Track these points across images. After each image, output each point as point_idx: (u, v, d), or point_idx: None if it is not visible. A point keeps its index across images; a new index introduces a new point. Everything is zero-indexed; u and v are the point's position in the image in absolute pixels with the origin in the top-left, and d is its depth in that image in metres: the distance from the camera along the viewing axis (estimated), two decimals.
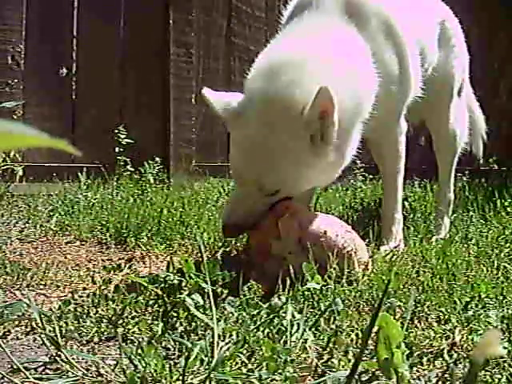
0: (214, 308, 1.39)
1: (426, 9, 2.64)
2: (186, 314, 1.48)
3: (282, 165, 1.80)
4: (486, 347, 0.58)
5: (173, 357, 1.31)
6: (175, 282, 1.57)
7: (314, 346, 1.34)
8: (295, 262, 1.72)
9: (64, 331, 1.43)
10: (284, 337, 1.36)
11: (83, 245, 2.50)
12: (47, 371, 1.27)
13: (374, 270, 1.87)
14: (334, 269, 1.75)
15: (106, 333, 1.46)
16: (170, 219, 2.63)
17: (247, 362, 1.24)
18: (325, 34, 2.00)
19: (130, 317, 1.52)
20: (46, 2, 3.72)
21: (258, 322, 1.40)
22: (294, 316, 1.41)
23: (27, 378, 1.21)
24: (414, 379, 1.23)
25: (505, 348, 1.30)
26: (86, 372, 1.23)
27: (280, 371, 1.18)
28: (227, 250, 2.26)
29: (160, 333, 1.38)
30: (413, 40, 2.30)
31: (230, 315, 1.47)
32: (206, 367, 1.20)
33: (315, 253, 1.75)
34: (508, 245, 2.32)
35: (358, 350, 1.26)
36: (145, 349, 1.23)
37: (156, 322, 1.47)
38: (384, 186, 2.46)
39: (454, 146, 2.77)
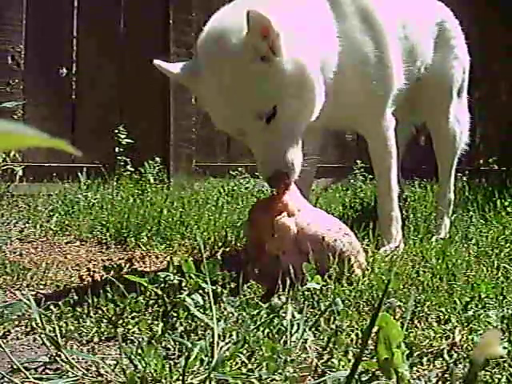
0: (213, 308, 1.39)
1: (423, 8, 2.66)
2: (186, 314, 1.48)
3: (256, 85, 1.85)
4: (486, 347, 0.58)
5: (173, 357, 1.31)
6: (175, 282, 1.57)
7: (313, 346, 1.34)
8: (289, 262, 1.72)
9: (64, 331, 1.43)
10: (284, 337, 1.36)
11: (83, 245, 2.50)
12: (47, 371, 1.27)
13: (374, 270, 1.87)
14: (334, 269, 1.76)
15: (106, 333, 1.46)
16: (170, 219, 2.63)
17: (247, 362, 1.24)
18: (285, 3, 2.05)
19: (129, 317, 1.52)
20: (45, 2, 3.72)
21: (258, 322, 1.40)
22: (294, 316, 1.41)
23: (27, 378, 1.21)
24: (413, 379, 1.23)
25: (505, 348, 1.30)
26: (86, 372, 1.23)
27: (280, 371, 1.18)
28: (227, 249, 2.26)
29: (160, 333, 1.38)
30: (398, 33, 2.35)
31: (230, 315, 1.47)
32: (206, 367, 1.20)
33: (313, 258, 1.74)
34: (508, 245, 2.32)
35: (358, 350, 1.26)
36: (145, 349, 1.23)
37: (156, 322, 1.48)
38: (377, 184, 2.46)
39: (454, 146, 2.77)
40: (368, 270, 1.88)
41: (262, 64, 1.85)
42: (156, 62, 2.05)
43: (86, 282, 1.90)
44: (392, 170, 2.37)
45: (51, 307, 1.61)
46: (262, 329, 1.38)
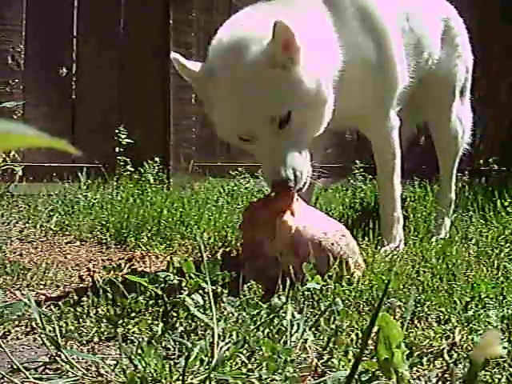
0: (213, 308, 1.39)
1: (428, 3, 2.67)
2: (186, 314, 1.48)
3: (273, 91, 1.87)
4: (486, 347, 0.58)
5: (173, 357, 1.31)
6: (175, 282, 1.57)
7: (313, 346, 1.34)
8: (287, 264, 1.72)
9: (64, 331, 1.43)
10: (284, 337, 1.36)
11: (83, 245, 2.50)
12: (47, 371, 1.27)
13: (374, 270, 1.87)
14: (335, 269, 1.76)
15: (105, 333, 1.46)
16: (170, 219, 2.63)
17: (247, 362, 1.24)
18: (290, 8, 2.07)
19: (129, 317, 1.52)
20: (46, 2, 3.72)
21: (258, 322, 1.40)
22: (293, 316, 1.41)
23: (27, 378, 1.21)
24: (413, 379, 1.23)
25: (505, 348, 1.30)
26: (85, 372, 1.23)
27: (280, 371, 1.18)
28: (227, 249, 2.26)
29: (160, 333, 1.38)
30: (401, 29, 2.34)
31: (230, 315, 1.47)
32: (206, 367, 1.20)
33: (310, 262, 1.74)
34: (508, 245, 2.32)
35: (358, 350, 1.26)
36: (145, 349, 1.23)
37: (156, 322, 1.47)
38: (380, 185, 2.45)
39: (455, 146, 2.77)
40: (366, 269, 1.88)
41: (280, 71, 1.87)
42: (174, 55, 2.02)
43: (86, 282, 1.90)
44: (396, 171, 2.36)
45: (51, 307, 1.61)
46: (262, 329, 1.38)
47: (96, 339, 1.44)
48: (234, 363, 1.23)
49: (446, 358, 1.32)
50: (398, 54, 2.29)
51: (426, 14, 2.57)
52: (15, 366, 1.23)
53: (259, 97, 1.87)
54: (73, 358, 1.26)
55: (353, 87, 2.12)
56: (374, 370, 1.15)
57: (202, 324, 1.42)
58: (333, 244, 1.79)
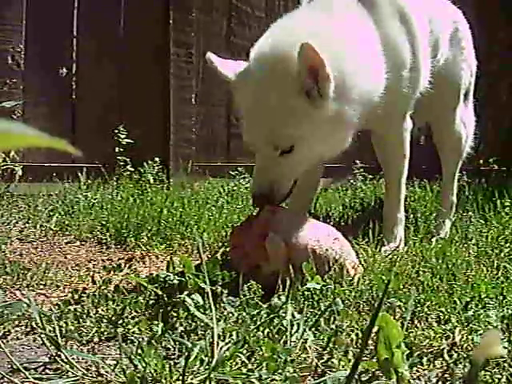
0: (213, 308, 1.39)
1: (440, 5, 2.68)
2: (186, 314, 1.48)
3: (288, 119, 1.85)
4: (486, 347, 0.58)
5: (173, 357, 1.31)
6: (175, 281, 1.57)
7: (313, 346, 1.34)
8: (286, 275, 1.71)
9: (64, 331, 1.43)
10: (284, 337, 1.36)
11: (83, 245, 2.50)
12: (47, 371, 1.27)
13: (374, 270, 1.87)
14: (335, 269, 1.76)
15: (105, 333, 1.46)
16: (170, 219, 2.63)
17: (247, 362, 1.23)
18: (330, 14, 2.05)
19: (129, 317, 1.52)
20: (46, 2, 3.72)
21: (258, 322, 1.40)
22: (293, 316, 1.41)
23: (27, 378, 1.21)
24: (414, 379, 1.23)
25: (505, 348, 1.30)
26: (85, 372, 1.23)
27: (280, 371, 1.18)
28: (227, 250, 2.26)
29: (160, 333, 1.38)
30: (425, 30, 2.34)
31: (230, 315, 1.47)
32: (206, 367, 1.20)
33: None
34: (508, 245, 2.32)
35: (358, 350, 1.26)
36: (145, 349, 1.23)
37: (156, 322, 1.47)
38: (387, 185, 2.45)
39: (459, 149, 2.76)
40: (366, 269, 1.88)
41: (302, 101, 1.83)
42: (208, 55, 2.02)
43: (86, 282, 1.90)
44: (404, 172, 2.37)
45: (51, 307, 1.61)
46: (261, 329, 1.38)
47: (96, 339, 1.44)
48: (234, 363, 1.23)
49: (446, 357, 1.32)
50: (424, 55, 2.29)
51: (441, 18, 2.58)
52: (15, 366, 1.23)
53: (270, 121, 1.86)
54: (73, 358, 1.26)
55: (388, 92, 2.10)
56: (373, 369, 1.15)
57: (202, 324, 1.42)
58: (327, 250, 1.79)
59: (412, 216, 2.85)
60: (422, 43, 2.27)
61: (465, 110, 2.78)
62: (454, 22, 2.67)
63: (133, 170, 3.61)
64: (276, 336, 1.36)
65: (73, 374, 1.23)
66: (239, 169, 3.99)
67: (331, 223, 2.35)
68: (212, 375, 1.15)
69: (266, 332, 1.38)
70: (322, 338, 1.39)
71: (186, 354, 1.20)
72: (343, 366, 1.25)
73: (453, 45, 2.64)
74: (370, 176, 3.95)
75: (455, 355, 1.33)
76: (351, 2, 2.12)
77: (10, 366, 1.26)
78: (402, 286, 1.74)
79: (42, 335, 1.35)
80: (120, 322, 1.49)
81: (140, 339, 1.37)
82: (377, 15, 2.13)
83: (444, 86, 2.60)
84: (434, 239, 2.46)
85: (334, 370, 1.24)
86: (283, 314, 1.43)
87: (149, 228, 2.54)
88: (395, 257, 2.08)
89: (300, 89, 1.82)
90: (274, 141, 1.88)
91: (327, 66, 1.79)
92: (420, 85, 2.30)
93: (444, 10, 2.67)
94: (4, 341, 1.40)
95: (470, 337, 1.40)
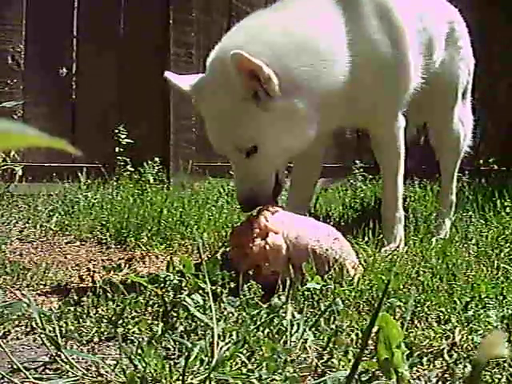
0: (213, 308, 1.39)
1: (436, 4, 2.67)
2: (186, 314, 1.48)
3: (241, 122, 1.91)
4: (489, 348, 0.58)
5: (173, 357, 1.31)
6: (175, 281, 1.57)
7: (313, 346, 1.34)
8: (286, 275, 1.71)
9: (64, 331, 1.43)
10: (284, 337, 1.36)
11: (83, 245, 2.50)
12: (47, 371, 1.27)
13: (374, 270, 1.87)
14: (335, 269, 1.76)
15: (105, 333, 1.46)
16: (170, 219, 2.63)
17: (247, 362, 1.23)
18: (287, 12, 2.07)
19: (130, 317, 1.52)
20: (46, 2, 3.72)
21: (258, 322, 1.40)
22: (294, 316, 1.41)
23: (27, 378, 1.21)
24: (414, 379, 1.23)
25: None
26: (85, 372, 1.23)
27: (280, 371, 1.18)
28: (227, 250, 2.26)
29: (160, 333, 1.38)
30: (415, 28, 2.33)
31: (230, 315, 1.47)
32: (206, 367, 1.20)
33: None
34: (508, 245, 2.32)
35: (358, 350, 1.26)
36: (145, 349, 1.23)
37: (156, 322, 1.47)
38: (383, 184, 2.46)
39: (457, 148, 2.76)
40: (366, 269, 1.88)
41: (250, 103, 1.88)
42: (166, 74, 2.12)
43: (86, 282, 1.90)
44: (399, 171, 2.37)
45: (51, 307, 1.61)
46: (261, 329, 1.38)
47: (96, 339, 1.44)
48: (234, 363, 1.23)
49: (446, 357, 1.32)
50: (413, 52, 2.28)
51: (435, 16, 2.57)
52: (15, 366, 1.23)
53: (226, 126, 1.93)
54: (73, 358, 1.26)
55: (365, 85, 2.11)
56: (373, 370, 1.15)
57: (202, 324, 1.42)
58: (327, 250, 1.79)
59: (412, 216, 2.85)
60: (409, 41, 2.25)
61: (463, 109, 2.78)
62: (449, 21, 2.67)
63: (133, 170, 3.61)
64: (276, 336, 1.36)
65: (73, 374, 1.23)
66: None
67: (331, 223, 2.35)
68: (212, 375, 1.15)
69: (266, 332, 1.38)
70: (321, 337, 1.39)
71: (186, 354, 1.20)
72: (343, 366, 1.25)
73: (450, 44, 2.64)
74: (370, 176, 3.95)
75: (455, 355, 1.33)
76: (324, 1, 2.13)
77: (10, 365, 1.26)
78: (402, 286, 1.74)
79: (42, 335, 1.35)
80: (120, 322, 1.49)
81: (140, 339, 1.37)
82: (353, 13, 2.14)
83: (441, 86, 2.60)
84: (434, 239, 2.46)
85: (334, 369, 1.24)
86: (283, 314, 1.43)
87: (149, 228, 2.54)
88: (395, 257, 2.08)
89: (245, 93, 1.87)
90: (236, 144, 1.94)
91: (264, 68, 1.82)
92: (410, 82, 2.29)
93: (439, 9, 2.67)
94: (4, 341, 1.40)
95: (469, 337, 1.40)
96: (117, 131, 3.65)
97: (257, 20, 2.08)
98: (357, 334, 1.40)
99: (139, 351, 1.23)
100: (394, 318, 1.29)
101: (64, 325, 1.47)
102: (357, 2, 2.17)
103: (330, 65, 2.04)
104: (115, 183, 3.49)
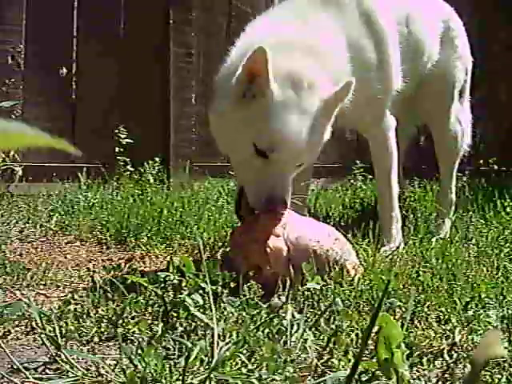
0: (213, 308, 1.39)
1: (427, 5, 2.67)
2: (186, 313, 1.48)
3: (247, 122, 1.87)
4: (487, 348, 0.58)
5: (173, 357, 1.31)
6: (175, 281, 1.57)
7: (314, 345, 1.34)
8: (286, 276, 1.71)
9: (64, 331, 1.43)
10: (284, 337, 1.36)
11: (83, 245, 2.50)
12: (47, 371, 1.27)
13: (374, 270, 1.87)
14: (335, 269, 1.76)
15: (106, 333, 1.46)
16: (170, 219, 2.63)
17: (247, 362, 1.23)
18: (291, 18, 2.14)
19: (129, 317, 1.52)
20: (46, 2, 3.72)
21: (258, 322, 1.40)
22: (293, 316, 1.41)
23: (27, 377, 1.21)
24: (414, 379, 1.23)
25: (505, 348, 1.30)
26: (85, 372, 1.23)
27: (280, 371, 1.18)
28: (227, 250, 2.26)
29: (160, 333, 1.38)
30: (400, 33, 2.35)
31: (230, 315, 1.47)
32: (206, 367, 1.20)
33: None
34: (508, 245, 2.32)
35: (358, 350, 1.26)
36: (145, 349, 1.23)
37: (156, 322, 1.47)
38: (377, 184, 2.46)
39: (455, 147, 2.77)
40: (366, 269, 1.88)
41: (254, 102, 1.85)
42: None
43: (86, 282, 1.90)
44: (392, 171, 2.37)
45: (51, 307, 1.61)
46: (261, 329, 1.38)
47: (96, 339, 1.44)
48: (234, 363, 1.23)
49: (446, 357, 1.32)
50: (395, 55, 2.30)
51: (425, 16, 2.58)
52: (15, 366, 1.23)
53: (239, 126, 1.88)
54: (73, 358, 1.26)
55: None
56: (373, 370, 1.15)
57: (202, 324, 1.42)
58: (328, 250, 1.79)
59: (412, 216, 2.85)
60: (392, 41, 2.28)
61: (460, 108, 2.78)
62: (444, 20, 2.67)
63: (133, 169, 3.61)
64: (276, 336, 1.36)
65: (73, 374, 1.23)
66: None
67: (331, 223, 2.35)
68: (212, 375, 1.15)
69: (266, 332, 1.38)
70: (321, 337, 1.39)
71: (186, 354, 1.20)
72: (343, 366, 1.25)
73: (445, 44, 2.64)
74: (370, 176, 3.94)
75: (455, 355, 1.33)
76: (317, 8, 2.15)
77: (10, 365, 1.26)
78: (401, 286, 1.74)
79: (42, 335, 1.35)
80: (120, 321, 1.49)
81: (140, 339, 1.37)
82: (338, 16, 2.16)
83: (438, 86, 2.60)
84: (434, 239, 2.46)
85: (334, 369, 1.24)
86: (283, 314, 1.43)
87: (149, 228, 2.54)
88: (395, 257, 2.08)
89: (239, 92, 1.86)
90: (252, 144, 1.87)
91: (269, 67, 1.80)
92: (392, 84, 2.30)
93: (432, 8, 2.67)
94: (4, 341, 1.40)
95: (469, 337, 1.40)
96: (117, 131, 3.65)
97: (256, 25, 2.20)
98: (357, 334, 1.40)
99: (139, 351, 1.23)
100: (394, 318, 1.29)
101: (64, 325, 1.47)
102: (342, 6, 2.19)
103: (336, 58, 2.07)
104: (115, 183, 3.49)
